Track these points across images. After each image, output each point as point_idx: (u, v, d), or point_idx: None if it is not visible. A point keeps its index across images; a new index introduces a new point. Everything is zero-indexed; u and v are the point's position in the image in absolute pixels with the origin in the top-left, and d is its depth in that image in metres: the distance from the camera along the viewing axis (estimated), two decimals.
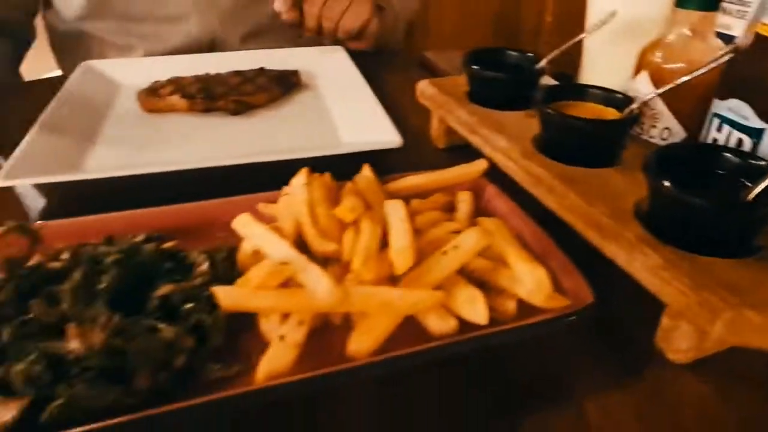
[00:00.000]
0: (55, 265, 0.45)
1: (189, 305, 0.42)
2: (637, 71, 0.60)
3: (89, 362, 0.37)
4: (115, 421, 0.34)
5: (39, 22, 1.18)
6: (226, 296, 0.41)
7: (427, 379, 0.42)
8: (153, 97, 0.82)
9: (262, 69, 0.91)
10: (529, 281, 0.42)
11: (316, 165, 0.58)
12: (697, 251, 0.42)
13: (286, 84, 0.89)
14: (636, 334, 0.46)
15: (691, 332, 0.40)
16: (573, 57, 0.76)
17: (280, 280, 0.41)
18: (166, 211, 0.53)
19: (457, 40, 1.88)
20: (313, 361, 0.39)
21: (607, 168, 0.54)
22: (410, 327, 0.42)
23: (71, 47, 1.11)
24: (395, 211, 0.47)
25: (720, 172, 0.46)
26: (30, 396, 0.36)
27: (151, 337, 0.39)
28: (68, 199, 0.65)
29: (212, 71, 0.91)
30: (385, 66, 1.10)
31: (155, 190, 0.59)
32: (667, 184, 0.42)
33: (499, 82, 0.67)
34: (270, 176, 0.57)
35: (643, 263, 0.43)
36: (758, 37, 0.52)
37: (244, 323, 0.43)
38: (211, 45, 1.06)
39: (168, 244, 0.48)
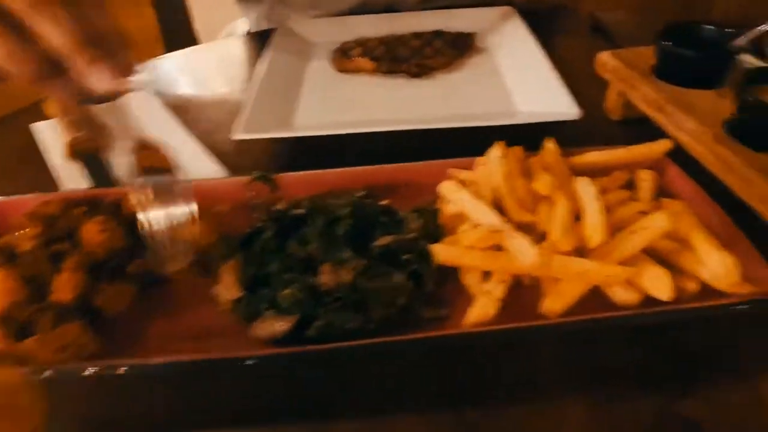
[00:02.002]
0: (298, 212, 0.56)
1: (407, 255, 0.51)
2: None
3: (337, 295, 0.48)
4: (365, 342, 0.44)
5: None
6: (441, 253, 0.49)
7: (607, 341, 0.48)
8: (344, 58, 0.92)
9: (439, 31, 0.97)
10: (717, 266, 0.46)
11: (492, 131, 0.64)
12: None
13: (462, 46, 0.94)
14: None
15: None
16: None
17: (490, 243, 0.48)
18: (376, 170, 0.62)
19: None
20: (508, 312, 0.47)
21: None
22: (592, 294, 0.48)
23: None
24: (587, 189, 0.52)
25: None
26: (296, 315, 0.47)
27: (385, 280, 0.48)
28: (279, 149, 0.78)
29: (391, 31, 0.99)
30: (554, 27, 1.10)
31: (351, 145, 0.70)
32: None
33: (692, 59, 0.66)
34: (452, 138, 0.66)
35: None
36: None
37: (446, 274, 0.52)
38: (387, 5, 1.12)
39: (384, 201, 0.57)
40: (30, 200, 0.61)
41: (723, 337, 0.48)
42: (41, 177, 0.74)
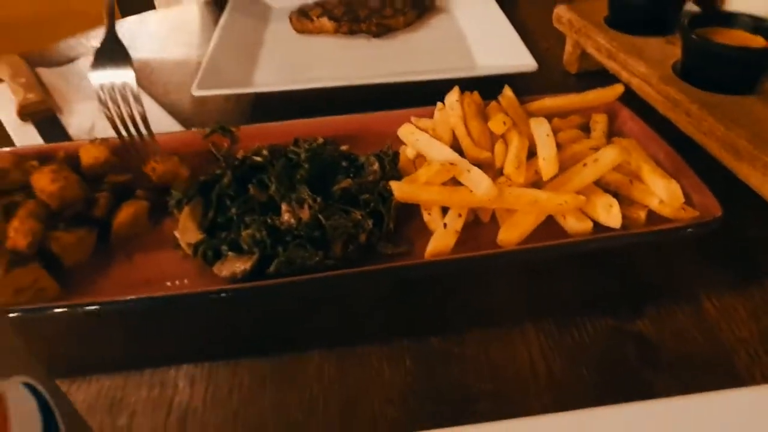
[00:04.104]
0: (258, 159, 0.56)
1: (366, 196, 0.52)
2: None
3: (298, 232, 0.48)
4: (321, 275, 0.45)
5: None
6: (399, 189, 0.50)
7: (564, 271, 0.49)
8: (304, 19, 0.91)
9: None
10: (663, 193, 0.48)
11: (453, 84, 0.65)
12: None
13: (422, 6, 0.95)
14: (759, 249, 0.50)
15: None
16: None
17: (446, 178, 0.49)
18: (338, 120, 0.62)
19: None
20: (468, 247, 0.48)
21: (748, 96, 0.56)
22: (549, 227, 0.50)
23: None
24: (540, 126, 0.53)
25: None
26: (257, 254, 0.47)
27: (343, 217, 0.49)
28: (242, 107, 0.77)
29: None
30: None
31: (311, 103, 0.70)
32: None
33: (642, 7, 0.68)
34: (412, 94, 0.65)
35: None
36: None
37: (409, 215, 0.52)
38: None
39: (343, 147, 0.58)
40: None
41: (668, 263, 0.50)
42: None
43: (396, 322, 0.46)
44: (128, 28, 1.03)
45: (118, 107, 0.56)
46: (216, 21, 1.00)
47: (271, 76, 0.80)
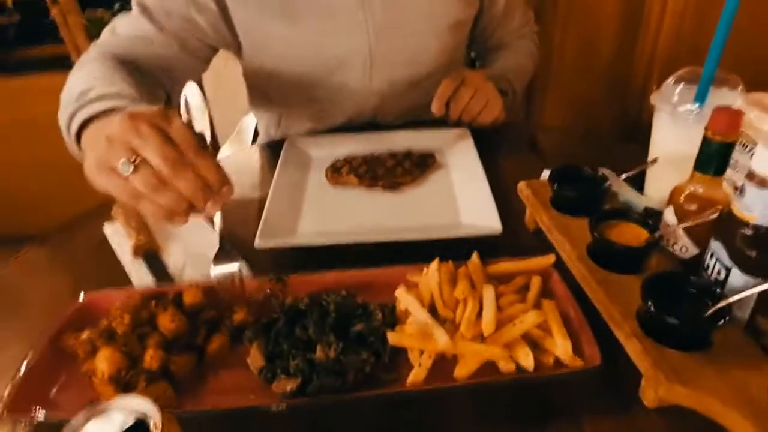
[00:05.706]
0: (301, 306, 0.84)
1: (372, 338, 0.79)
2: (668, 204, 0.87)
3: (326, 365, 0.75)
4: (340, 396, 0.72)
5: None
6: (392, 337, 0.77)
7: (497, 396, 0.75)
8: (335, 174, 1.22)
9: (409, 153, 1.28)
10: (561, 348, 0.74)
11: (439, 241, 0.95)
12: (666, 345, 0.71)
13: (425, 165, 1.25)
14: (627, 386, 0.75)
15: (652, 391, 0.70)
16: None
17: (423, 332, 0.76)
18: (356, 273, 0.91)
19: (574, 94, 2.13)
20: (435, 377, 0.75)
21: (633, 275, 0.82)
22: (490, 365, 0.76)
23: (265, 109, 1.55)
24: (488, 294, 0.81)
25: (693, 291, 0.74)
26: (299, 378, 0.75)
27: (356, 356, 0.76)
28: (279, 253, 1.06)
29: (372, 147, 1.30)
30: (501, 144, 1.41)
31: (339, 250, 0.99)
32: (649, 303, 0.71)
33: (570, 198, 0.97)
34: (407, 245, 0.97)
35: (632, 347, 0.73)
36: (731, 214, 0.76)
37: (399, 352, 0.79)
38: (370, 121, 1.44)
39: (358, 299, 0.86)
40: (119, 293, 0.89)
41: (563, 393, 0.76)
42: (113, 270, 1.02)
43: (388, 425, 0.73)
44: None
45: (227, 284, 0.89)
46: (267, 162, 1.31)
47: (311, 226, 1.09)
